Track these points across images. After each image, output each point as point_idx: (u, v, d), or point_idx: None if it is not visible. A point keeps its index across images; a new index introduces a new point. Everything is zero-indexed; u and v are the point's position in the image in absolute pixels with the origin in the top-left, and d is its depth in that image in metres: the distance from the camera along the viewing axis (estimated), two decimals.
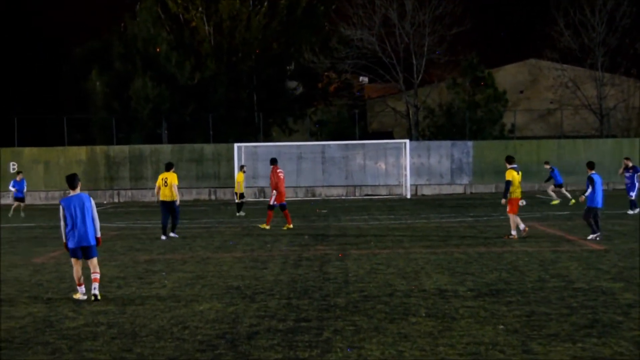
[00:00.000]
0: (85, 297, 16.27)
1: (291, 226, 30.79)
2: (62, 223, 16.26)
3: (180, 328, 13.36)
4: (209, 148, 56.66)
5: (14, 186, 42.23)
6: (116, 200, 55.46)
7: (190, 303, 15.48)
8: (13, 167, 54.79)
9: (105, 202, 54.44)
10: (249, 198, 52.04)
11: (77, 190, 16.36)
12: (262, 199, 52.39)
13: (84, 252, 16.26)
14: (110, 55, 63.39)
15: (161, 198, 27.79)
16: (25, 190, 42.62)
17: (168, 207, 27.76)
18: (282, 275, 18.82)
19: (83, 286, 16.46)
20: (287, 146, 56.39)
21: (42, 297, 16.57)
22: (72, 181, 16.36)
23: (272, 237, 27.96)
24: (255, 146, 55.23)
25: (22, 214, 41.83)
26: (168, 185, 27.68)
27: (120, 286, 17.73)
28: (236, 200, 39.46)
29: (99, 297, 16.08)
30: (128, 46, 63.48)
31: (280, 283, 17.71)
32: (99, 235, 16.44)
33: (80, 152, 56.43)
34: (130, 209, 46.95)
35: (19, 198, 42.12)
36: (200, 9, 64.24)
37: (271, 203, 30.86)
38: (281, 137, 66.65)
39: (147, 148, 56.98)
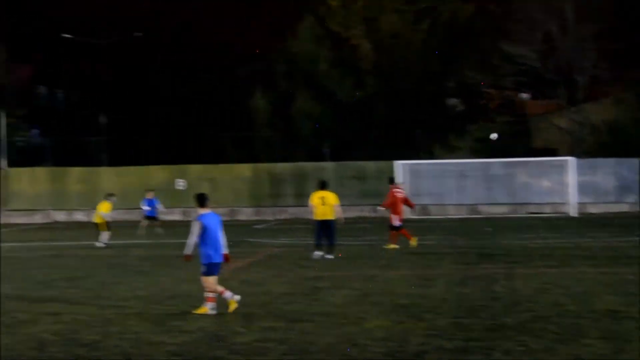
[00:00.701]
0: (214, 312, 16.48)
1: (415, 243, 30.71)
2: (193, 238, 16.55)
3: (350, 345, 13.39)
4: (370, 165, 56.78)
5: (145, 204, 42.28)
6: (280, 217, 56.14)
7: (358, 320, 15.50)
8: (179, 183, 56.16)
9: (269, 218, 55.18)
10: (410, 216, 51.83)
11: (207, 209, 16.74)
12: (423, 217, 52.15)
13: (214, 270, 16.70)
14: (273, 74, 64.39)
15: (318, 217, 27.70)
16: (158, 208, 42.42)
17: (324, 226, 27.68)
18: (449, 294, 18.68)
19: (215, 302, 16.68)
20: (448, 163, 56.07)
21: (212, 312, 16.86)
22: (203, 200, 16.85)
23: (436, 255, 27.82)
24: (417, 163, 55.07)
25: (160, 230, 41.52)
26: (326, 204, 27.68)
27: (288, 302, 17.92)
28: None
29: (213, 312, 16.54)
30: (290, 65, 64.37)
31: (447, 301, 17.58)
32: (227, 251, 16.93)
33: (244, 170, 57.41)
34: (294, 225, 47.46)
35: (151, 217, 41.99)
36: (360, 26, 64.62)
37: (394, 223, 30.79)
38: (442, 154, 66.31)
39: (309, 165, 57.51)
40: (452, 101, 69.37)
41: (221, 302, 16.70)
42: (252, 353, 13.02)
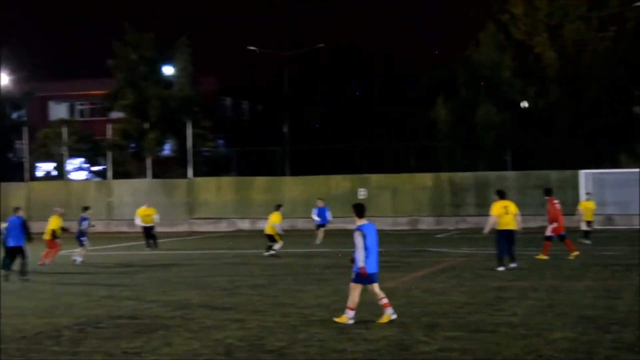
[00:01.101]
0: (352, 322, 16.49)
1: (577, 253, 29.84)
2: (361, 250, 16.47)
3: (535, 356, 13.20)
4: (554, 175, 55.76)
5: (316, 213, 42.28)
6: (461, 226, 55.74)
7: (542, 331, 15.26)
8: (361, 193, 56.52)
9: (450, 228, 54.89)
10: (596, 226, 50.69)
11: (365, 220, 16.74)
12: (608, 227, 50.81)
13: (373, 279, 16.73)
14: (455, 82, 64.09)
15: (502, 227, 27.25)
16: (328, 216, 42.33)
17: (506, 236, 27.23)
18: (636, 306, 18.16)
19: (354, 312, 16.68)
20: (634, 172, 54.43)
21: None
22: (361, 210, 16.88)
23: (621, 266, 27.11)
24: (601, 172, 53.74)
25: (318, 241, 41.31)
26: (509, 214, 27.27)
27: (471, 312, 17.80)
28: (585, 228, 38.61)
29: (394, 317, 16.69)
30: (472, 73, 63.93)
31: (634, 314, 17.10)
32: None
33: (425, 179, 57.33)
34: (475, 235, 47.00)
35: (321, 225, 41.94)
36: (544, 34, 63.58)
37: (548, 234, 30.09)
38: (628, 162, 64.43)
39: (492, 175, 56.94)
40: (639, 109, 67.35)
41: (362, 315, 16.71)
42: None
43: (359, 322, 16.75)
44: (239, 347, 14.49)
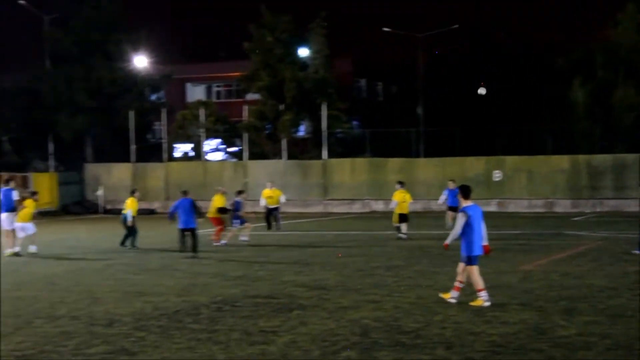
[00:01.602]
0: (489, 303, 16.43)
1: None
2: (458, 229, 16.71)
3: None
4: None
5: (447, 195, 40.33)
6: (598, 209, 54.68)
7: None
8: (497, 175, 55.97)
9: (587, 211, 53.89)
10: None
11: (470, 201, 16.87)
12: None
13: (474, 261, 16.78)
14: (592, 64, 62.74)
15: None
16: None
17: None
18: None
19: (485, 291, 16.67)
20: None
21: (532, 304, 16.71)
22: (467, 192, 17.01)
23: None
24: None
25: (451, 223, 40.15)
26: None
27: (611, 297, 17.47)
28: None
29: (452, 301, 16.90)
30: (610, 54, 62.47)
31: None
32: (487, 243, 16.95)
33: (562, 161, 56.42)
34: (613, 218, 46.14)
35: (453, 207, 38.48)
36: None
37: None
38: None
39: (630, 157, 55.68)
40: None
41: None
42: (575, 347, 12.81)
43: (496, 304, 16.61)
44: (375, 327, 14.52)
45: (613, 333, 13.72)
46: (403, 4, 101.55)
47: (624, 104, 59.59)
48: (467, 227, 16.68)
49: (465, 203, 16.92)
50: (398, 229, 33.75)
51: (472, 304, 16.63)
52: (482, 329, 14.18)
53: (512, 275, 21.27)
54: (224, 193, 34.05)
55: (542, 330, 14.06)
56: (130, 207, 30.92)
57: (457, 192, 38.14)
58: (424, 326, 14.55)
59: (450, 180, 41.43)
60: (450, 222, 38.04)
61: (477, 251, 16.79)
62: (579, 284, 19.41)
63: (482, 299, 16.62)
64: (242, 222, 32.99)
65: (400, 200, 33.89)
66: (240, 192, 34.29)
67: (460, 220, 16.67)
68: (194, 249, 27.32)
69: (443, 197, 40.63)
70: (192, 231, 27.56)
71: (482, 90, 27.25)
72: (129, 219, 30.68)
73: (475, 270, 16.82)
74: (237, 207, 33.03)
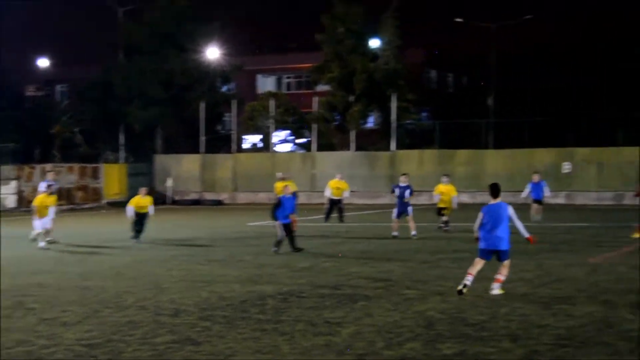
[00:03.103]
0: (462, 287, 17.02)
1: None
2: (477, 224, 17.34)
3: None
4: None
5: (530, 187, 38.52)
6: None
7: None
8: (565, 167, 55.38)
9: None
10: None
11: (498, 199, 17.32)
12: None
13: (496, 255, 17.22)
14: None
15: None
16: (546, 191, 38.38)
17: None
18: None
19: (471, 277, 17.13)
20: None
21: (599, 297, 16.54)
22: (495, 191, 17.48)
23: None
24: None
25: (538, 217, 37.59)
26: None
27: None
28: None
29: (496, 292, 17.06)
30: None
31: None
32: (527, 235, 17.89)
33: (633, 153, 55.59)
34: None
35: (537, 200, 38.16)
36: None
37: None
38: None
39: None
40: None
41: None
42: None
43: (562, 297, 16.52)
44: (440, 319, 14.50)
45: None
46: None
47: None
48: (483, 224, 17.30)
49: (492, 201, 17.46)
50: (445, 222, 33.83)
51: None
52: (548, 322, 14.09)
53: (579, 268, 21.06)
54: (282, 179, 34.18)
55: (608, 324, 13.93)
56: None
57: (543, 185, 37.28)
58: (489, 318, 14.50)
59: (535, 173, 40.25)
60: (535, 215, 37.51)
61: (484, 246, 17.29)
62: None
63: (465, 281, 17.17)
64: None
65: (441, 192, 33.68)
66: (404, 175, 32.81)
67: (480, 217, 17.39)
68: (291, 243, 26.53)
69: (527, 190, 39.01)
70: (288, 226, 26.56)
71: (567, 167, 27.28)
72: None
73: (479, 263, 17.36)
74: (405, 193, 31.45)
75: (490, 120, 66.58)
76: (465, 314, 14.88)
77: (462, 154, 59.09)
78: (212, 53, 68.24)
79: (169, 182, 62.09)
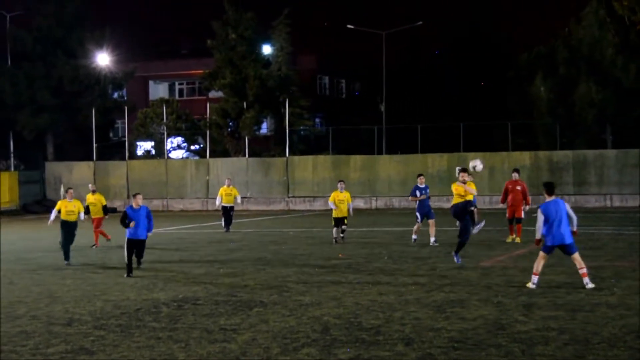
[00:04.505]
0: (534, 286, 17.95)
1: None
2: (540, 223, 18.26)
3: (634, 337, 13.02)
4: None
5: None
6: None
7: None
8: (476, 166, 56.14)
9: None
10: None
11: (554, 197, 18.46)
12: None
13: (563, 249, 18.19)
14: (555, 60, 63.18)
15: None
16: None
17: None
18: None
19: (537, 277, 18.05)
20: None
21: (491, 300, 16.82)
22: (550, 188, 18.64)
23: None
24: None
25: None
26: None
27: (569, 292, 17.61)
28: None
29: (591, 285, 17.84)
30: (573, 51, 62.93)
31: None
32: (574, 229, 18.45)
33: (523, 157, 56.77)
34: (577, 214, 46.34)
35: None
36: None
37: None
38: None
39: (591, 153, 56.22)
40: None
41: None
42: (533, 342, 12.92)
43: (456, 300, 16.75)
44: (336, 324, 14.57)
45: (571, 328, 13.85)
46: (367, 1, 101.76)
47: (585, 101, 60.02)
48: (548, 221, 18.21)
49: (548, 199, 18.45)
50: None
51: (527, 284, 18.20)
52: (442, 325, 14.27)
53: (472, 271, 21.38)
54: (93, 192, 32.89)
55: (500, 326, 14.16)
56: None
57: (427, 189, 36.32)
58: (384, 323, 14.62)
59: (419, 175, 39.55)
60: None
61: (556, 241, 18.15)
62: (539, 280, 19.52)
63: (531, 282, 18.18)
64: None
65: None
66: (420, 175, 31.17)
67: (540, 215, 18.37)
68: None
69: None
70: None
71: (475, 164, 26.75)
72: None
73: (544, 258, 18.35)
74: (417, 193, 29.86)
75: (383, 126, 67.15)
76: (361, 319, 14.98)
77: (356, 160, 59.57)
78: (103, 59, 67.45)
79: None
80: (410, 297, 17.29)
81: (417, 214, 29.53)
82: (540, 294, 17.39)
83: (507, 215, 30.16)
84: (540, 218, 18.16)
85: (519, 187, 30.35)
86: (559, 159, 56.50)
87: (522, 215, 30.15)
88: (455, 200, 23.06)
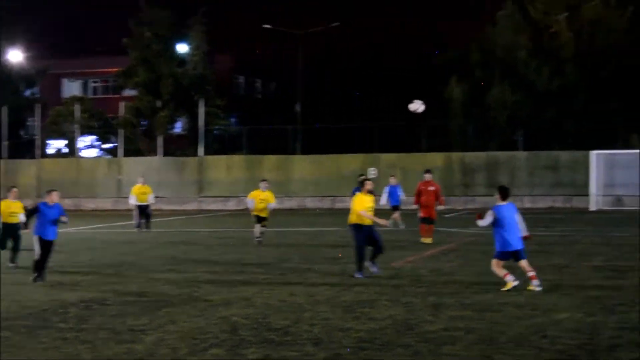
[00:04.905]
0: (516, 283, 17.79)
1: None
2: (486, 223, 18.06)
3: (539, 336, 13.17)
4: (565, 155, 55.80)
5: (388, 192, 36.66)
6: (471, 206, 55.70)
7: (548, 312, 15.23)
8: (372, 172, 56.46)
9: (459, 208, 54.83)
10: (605, 207, 50.86)
11: (506, 201, 18.16)
12: (617, 208, 50.93)
13: (515, 255, 18.11)
14: (469, 62, 63.92)
15: None
16: (400, 197, 36.81)
17: None
18: None
19: (509, 275, 17.95)
20: None
21: (400, 300, 16.91)
22: (505, 193, 18.31)
23: (630, 247, 27.08)
24: (612, 154, 53.63)
25: (400, 224, 36.26)
26: None
27: (477, 292, 17.78)
28: None
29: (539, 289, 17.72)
30: (487, 53, 63.73)
31: None
32: (525, 234, 18.33)
33: (436, 158, 57.26)
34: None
35: (396, 206, 36.62)
36: (561, 14, 63.07)
37: None
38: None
39: (502, 155, 56.98)
40: None
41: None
42: (440, 342, 12.98)
43: (365, 300, 16.80)
44: (245, 324, 14.50)
45: (478, 327, 13.95)
46: (285, 2, 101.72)
47: (498, 103, 60.81)
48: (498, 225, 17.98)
49: (499, 202, 18.12)
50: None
51: (503, 289, 17.74)
52: (351, 325, 14.28)
53: (382, 271, 21.46)
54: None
55: (409, 326, 14.22)
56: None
57: (398, 189, 35.86)
58: (293, 323, 14.58)
59: (392, 175, 38.96)
60: (400, 221, 36.08)
61: (512, 246, 17.98)
62: (447, 280, 19.72)
63: (509, 282, 17.87)
64: None
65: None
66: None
67: (489, 217, 18.00)
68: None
69: (385, 195, 36.79)
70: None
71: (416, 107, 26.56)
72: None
73: (497, 263, 18.12)
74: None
75: (298, 126, 67.26)
76: (270, 319, 14.93)
77: (270, 160, 59.55)
78: (15, 56, 66.37)
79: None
80: (320, 298, 17.29)
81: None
82: (449, 294, 17.52)
83: (420, 215, 30.20)
84: (489, 219, 17.93)
85: (431, 188, 30.34)
86: (471, 160, 57.16)
87: (435, 217, 30.31)
88: (357, 218, 20.60)
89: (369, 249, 20.71)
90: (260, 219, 30.12)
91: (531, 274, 17.90)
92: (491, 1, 66.64)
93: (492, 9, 65.89)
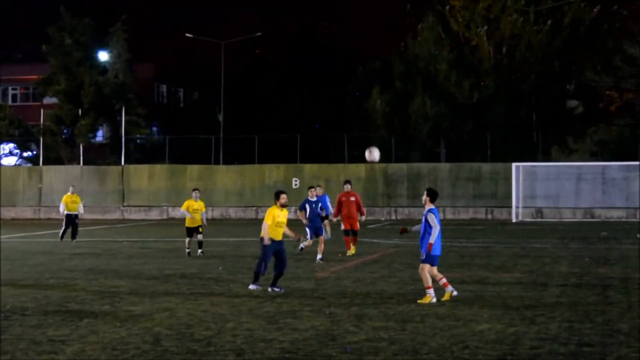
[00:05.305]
0: (435, 300, 17.77)
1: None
2: (437, 231, 18.01)
3: (461, 347, 13.30)
4: (486, 167, 56.47)
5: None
6: (393, 217, 56.11)
7: (469, 323, 15.38)
8: (295, 183, 56.54)
9: (382, 218, 55.17)
10: (526, 219, 51.54)
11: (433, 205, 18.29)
12: (538, 219, 51.66)
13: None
14: (391, 74, 64.38)
15: None
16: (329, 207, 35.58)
17: None
18: (563, 298, 18.42)
19: (432, 289, 17.91)
20: (566, 166, 55.31)
21: (323, 310, 16.94)
22: (434, 196, 18.52)
23: (550, 258, 27.50)
24: (532, 166, 54.43)
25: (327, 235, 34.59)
26: None
27: (400, 303, 17.88)
28: None
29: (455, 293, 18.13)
30: (409, 65, 64.25)
31: (560, 305, 17.32)
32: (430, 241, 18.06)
33: (359, 169, 57.58)
34: (407, 226, 47.28)
35: (325, 216, 34.87)
36: (481, 27, 63.94)
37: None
38: (560, 156, 65.37)
39: (425, 166, 57.46)
40: (572, 103, 68.07)
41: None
42: (363, 352, 13.03)
43: (289, 311, 16.79)
44: (167, 335, 14.40)
45: (400, 338, 14.04)
46: (207, 11, 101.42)
47: (420, 115, 61.30)
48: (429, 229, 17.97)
49: (430, 205, 18.17)
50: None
51: (420, 301, 17.73)
52: (274, 336, 14.26)
53: (306, 282, 21.51)
54: None
55: (332, 337, 14.24)
56: None
57: (326, 198, 34.45)
58: (215, 334, 14.52)
59: (318, 185, 38.27)
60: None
61: (437, 251, 18.11)
62: (370, 291, 19.80)
63: (431, 296, 17.84)
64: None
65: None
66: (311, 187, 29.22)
67: (435, 220, 17.99)
68: None
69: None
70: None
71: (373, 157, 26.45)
72: None
73: (427, 268, 17.94)
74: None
75: (221, 135, 67.07)
76: (193, 330, 14.86)
77: (193, 170, 59.34)
78: None
79: None
80: (244, 308, 17.25)
81: (307, 229, 28.03)
82: (372, 304, 17.60)
83: (342, 227, 30.10)
84: (439, 227, 17.98)
85: (352, 198, 30.10)
86: (394, 171, 57.55)
87: (358, 228, 30.23)
88: (275, 232, 20.06)
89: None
90: (190, 231, 29.82)
91: (443, 281, 18.11)
92: (413, 13, 67.20)
93: (414, 20, 66.49)
